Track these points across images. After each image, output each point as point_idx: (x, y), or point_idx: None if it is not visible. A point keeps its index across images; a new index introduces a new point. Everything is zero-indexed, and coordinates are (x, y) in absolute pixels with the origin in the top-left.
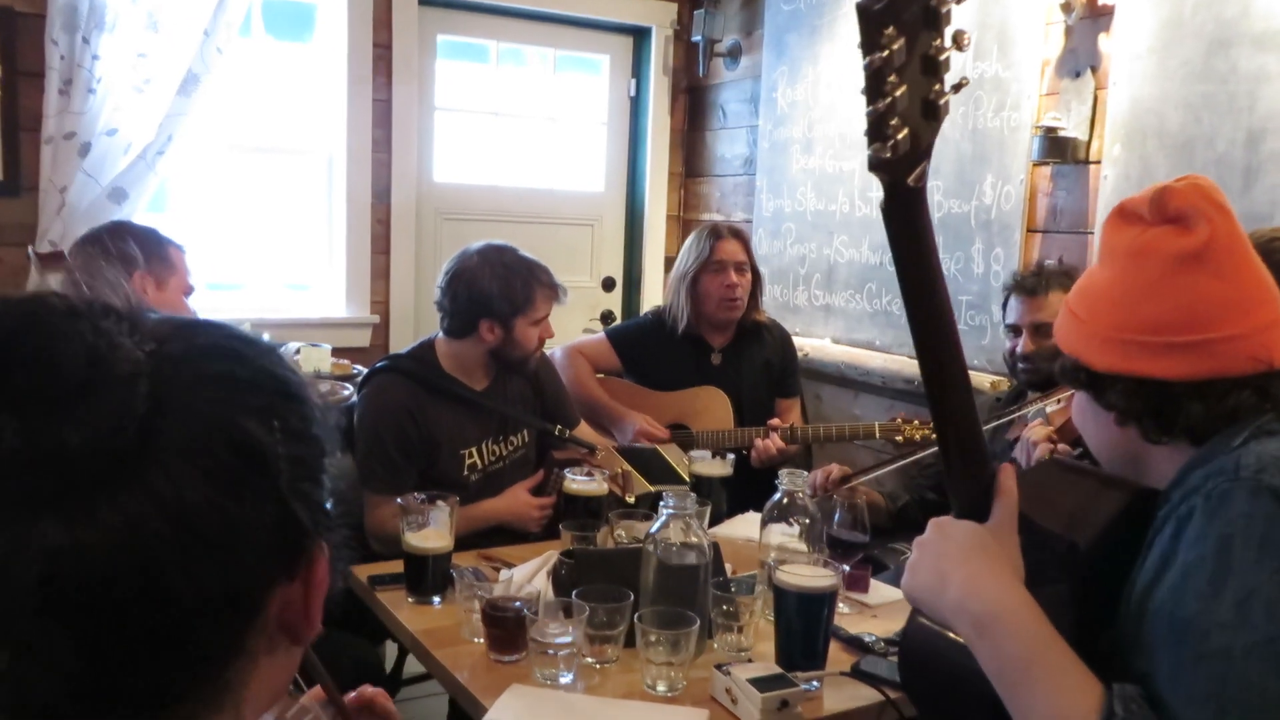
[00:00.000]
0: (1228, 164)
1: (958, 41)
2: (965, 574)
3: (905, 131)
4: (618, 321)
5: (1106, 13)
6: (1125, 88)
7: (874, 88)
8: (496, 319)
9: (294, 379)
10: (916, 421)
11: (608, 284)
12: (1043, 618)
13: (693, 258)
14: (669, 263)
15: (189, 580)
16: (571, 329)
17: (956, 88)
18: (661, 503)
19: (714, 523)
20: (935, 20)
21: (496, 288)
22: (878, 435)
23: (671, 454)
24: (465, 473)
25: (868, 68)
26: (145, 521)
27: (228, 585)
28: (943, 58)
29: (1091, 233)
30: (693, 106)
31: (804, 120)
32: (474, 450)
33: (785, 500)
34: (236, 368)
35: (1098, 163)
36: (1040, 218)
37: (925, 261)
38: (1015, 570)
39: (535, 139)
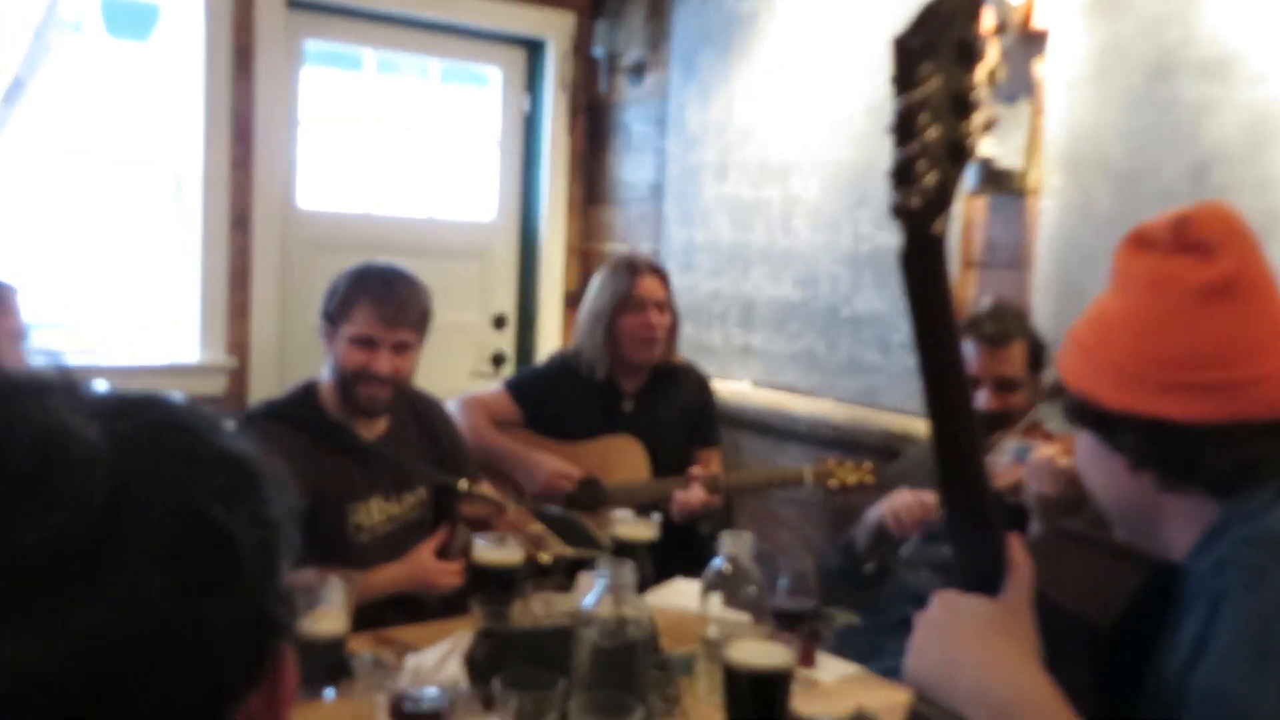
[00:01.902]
0: (1174, 196)
1: (991, 78)
2: (981, 657)
3: (933, 175)
4: (509, 362)
5: (1040, 37)
6: (1063, 115)
7: (905, 128)
8: (325, 324)
9: (250, 455)
10: (850, 464)
11: (499, 322)
12: (1066, 706)
13: (609, 294)
14: (568, 298)
15: (153, 692)
16: (458, 372)
17: (987, 126)
18: (597, 573)
19: (640, 590)
20: (970, 56)
21: (329, 289)
22: (809, 481)
23: (590, 519)
24: (351, 533)
25: (901, 107)
26: (108, 628)
27: (195, 695)
28: (974, 96)
29: (1031, 268)
30: (593, 126)
31: (717, 144)
32: (363, 507)
33: (729, 567)
34: (195, 445)
35: (1036, 193)
36: (977, 251)
37: (943, 314)
38: (1034, 653)
39: (417, 159)
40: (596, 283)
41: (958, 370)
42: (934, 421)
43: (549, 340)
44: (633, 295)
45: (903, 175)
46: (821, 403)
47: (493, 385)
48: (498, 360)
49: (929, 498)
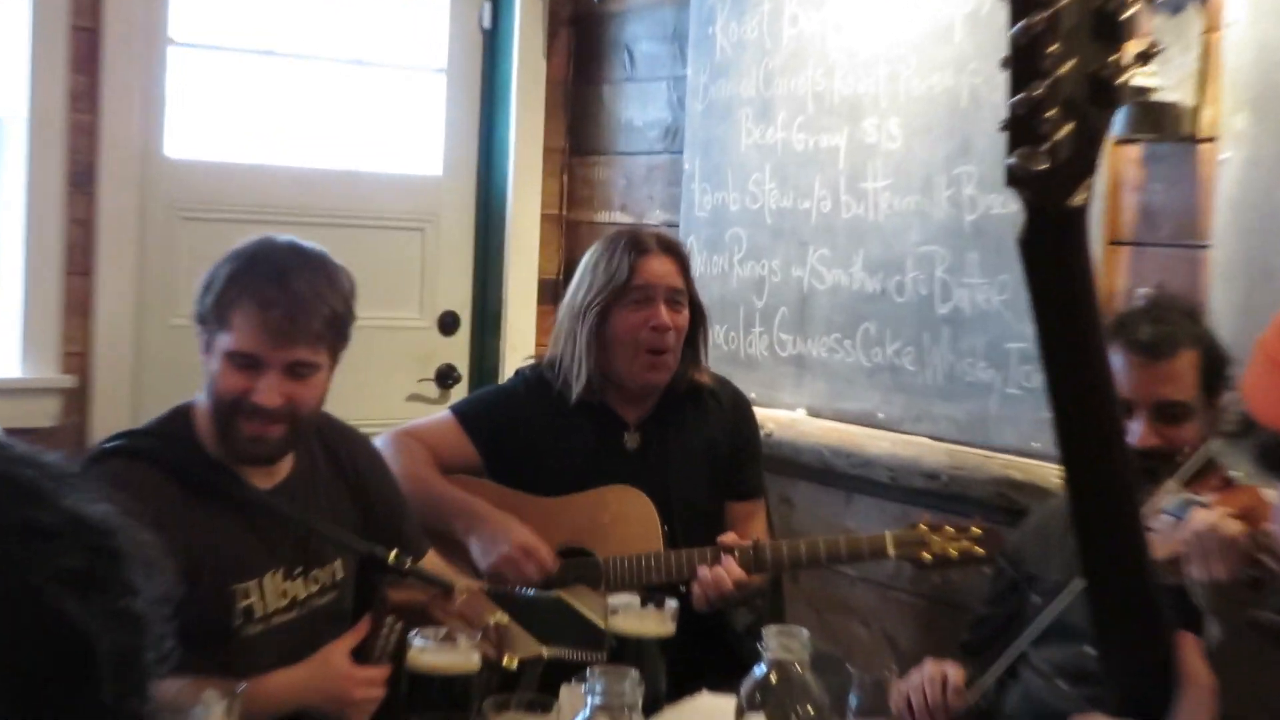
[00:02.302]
0: None
1: None
2: None
3: (1068, 128)
4: (462, 380)
5: None
6: (1249, 31)
7: (1026, 62)
8: (199, 328)
9: (110, 524)
10: (951, 529)
11: (447, 323)
12: None
13: (600, 283)
14: (545, 289)
15: None
16: (389, 394)
17: (1144, 57)
18: (585, 687)
19: (651, 710)
20: None
21: (204, 279)
22: (891, 553)
23: (581, 599)
24: (236, 622)
25: (1020, 36)
26: None
27: None
28: (1126, 15)
29: (1207, 246)
30: (581, 48)
31: (758, 71)
32: (255, 587)
33: (776, 677)
34: (39, 513)
35: (1212, 140)
36: (1127, 223)
37: (1082, 315)
38: None
39: (333, 94)
40: (585, 266)
41: (1104, 392)
42: (1070, 467)
43: (518, 348)
44: (635, 282)
45: (1024, 128)
46: (909, 440)
47: (438, 413)
48: (446, 377)
49: (954, 673)
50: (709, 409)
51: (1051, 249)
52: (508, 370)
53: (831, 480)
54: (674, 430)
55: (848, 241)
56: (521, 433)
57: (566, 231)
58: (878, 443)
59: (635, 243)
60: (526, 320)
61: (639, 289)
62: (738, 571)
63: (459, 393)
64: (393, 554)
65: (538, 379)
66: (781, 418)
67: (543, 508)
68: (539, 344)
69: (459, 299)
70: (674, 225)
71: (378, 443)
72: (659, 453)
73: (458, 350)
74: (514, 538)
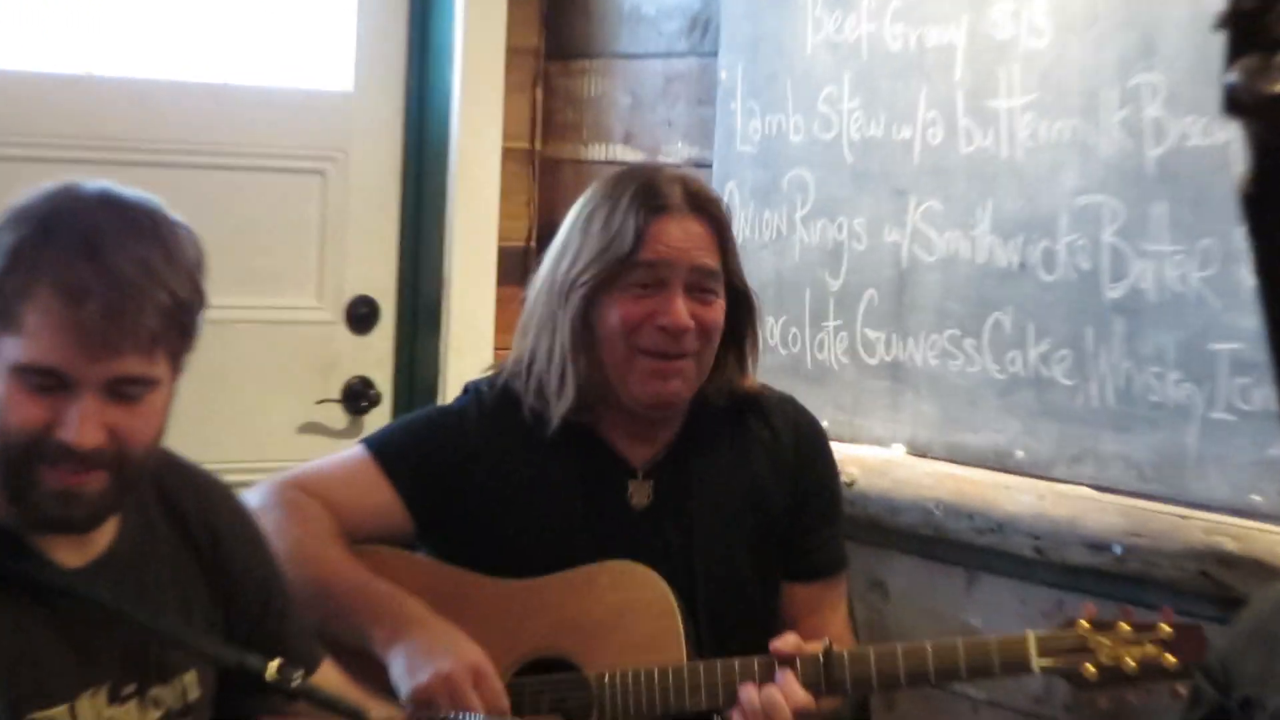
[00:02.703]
0: None
1: None
2: None
3: None
4: (382, 400)
5: None
6: None
7: None
8: None
9: None
10: (1128, 627)
11: (361, 315)
12: None
13: (591, 250)
14: (513, 263)
15: None
16: (268, 426)
17: None
18: None
19: None
20: None
21: None
22: (1036, 666)
23: None
24: None
25: None
26: None
27: None
28: None
29: None
30: None
31: None
32: (63, 715)
33: None
34: None
35: None
36: None
37: None
38: None
39: None
40: (571, 223)
41: None
42: None
43: (467, 353)
44: (641, 256)
45: (1251, 27)
46: (1063, 491)
47: (344, 452)
48: (358, 397)
49: None
50: (757, 440)
51: None
52: (453, 386)
53: (944, 553)
54: (703, 475)
55: (969, 190)
56: (474, 481)
57: (541, 175)
58: (1016, 495)
59: (647, 192)
60: (481, 310)
61: (646, 266)
62: (801, 695)
63: (378, 420)
64: (272, 666)
65: (499, 399)
66: (869, 458)
67: (504, 597)
68: (501, 347)
69: (378, 279)
70: (703, 165)
71: (249, 498)
72: (679, 511)
73: (376, 356)
74: (456, 652)
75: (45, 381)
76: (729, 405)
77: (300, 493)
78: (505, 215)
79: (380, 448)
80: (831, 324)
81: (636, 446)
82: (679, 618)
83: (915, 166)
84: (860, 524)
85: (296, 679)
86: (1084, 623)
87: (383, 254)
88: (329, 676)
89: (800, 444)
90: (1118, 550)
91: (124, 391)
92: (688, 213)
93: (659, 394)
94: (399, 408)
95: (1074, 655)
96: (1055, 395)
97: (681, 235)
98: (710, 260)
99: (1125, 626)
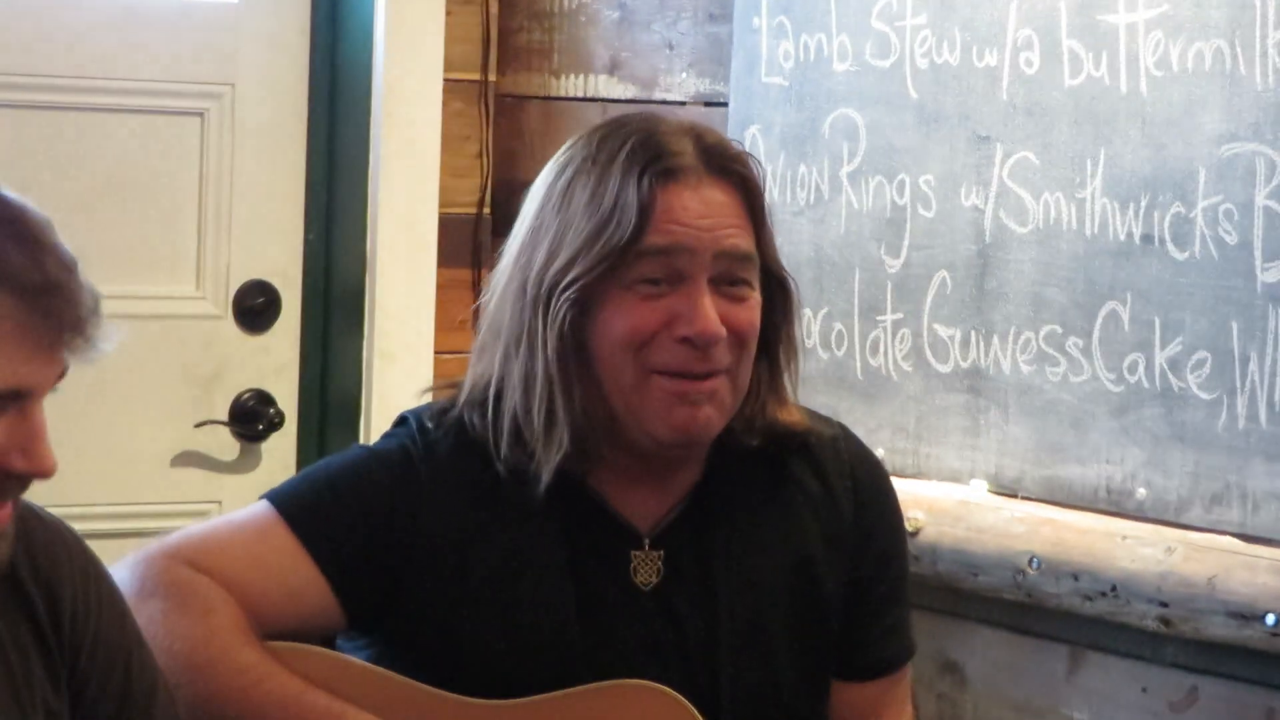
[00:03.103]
0: None
1: None
2: None
3: None
4: (288, 431)
5: None
6: None
7: None
8: None
9: None
10: None
11: (253, 307)
12: None
13: (583, 234)
14: (459, 237)
15: None
16: (131, 459)
17: None
18: None
19: None
20: None
21: None
22: None
23: None
24: None
25: None
26: None
27: None
28: None
29: None
30: None
31: None
32: None
33: None
34: None
35: None
36: None
37: None
38: None
39: None
40: (547, 191)
41: None
42: None
43: (400, 357)
44: (648, 241)
45: None
46: (1205, 543)
47: (244, 510)
48: (253, 418)
49: None
50: (805, 495)
51: None
52: (380, 403)
53: (1041, 625)
54: (730, 543)
55: (1076, 137)
56: (424, 556)
57: (497, 118)
58: (1136, 548)
59: (648, 150)
60: (416, 300)
61: (657, 254)
62: None
63: (280, 449)
64: None
65: (453, 442)
66: (940, 499)
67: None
68: (446, 350)
69: (276, 258)
70: (716, 104)
71: (121, 572)
72: (699, 591)
73: (276, 363)
74: None
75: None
76: (765, 434)
77: (187, 569)
78: (448, 172)
79: (293, 509)
80: (890, 318)
81: (640, 503)
82: None
83: (1003, 105)
84: (928, 587)
85: None
86: None
87: (283, 224)
88: None
89: (861, 502)
90: (1271, 621)
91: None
92: (706, 176)
93: (686, 427)
94: (308, 433)
95: None
96: (1190, 414)
97: (701, 208)
98: (742, 240)
99: None
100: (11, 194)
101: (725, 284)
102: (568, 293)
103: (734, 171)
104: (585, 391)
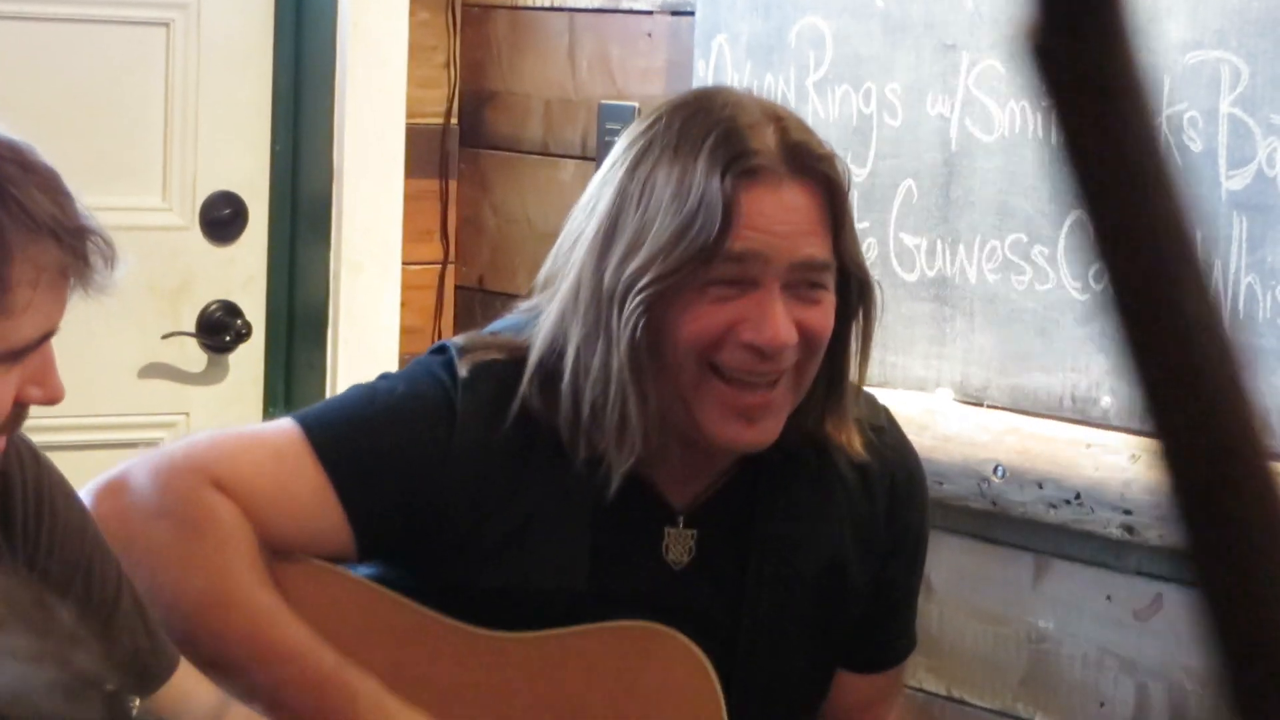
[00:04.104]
0: None
1: None
2: None
3: None
4: (256, 342)
5: None
6: None
7: None
8: None
9: None
10: None
11: (220, 218)
12: None
13: (661, 235)
14: (427, 143)
15: None
16: (99, 373)
17: None
18: None
19: None
20: None
21: None
22: None
23: None
24: None
25: None
26: None
27: None
28: None
29: None
30: None
31: None
32: None
33: None
34: None
35: None
36: None
37: (1128, 157)
38: None
39: None
40: (621, 184)
41: (1185, 306)
42: (1163, 464)
43: (367, 267)
44: (730, 244)
45: None
46: None
47: (272, 426)
48: (220, 329)
49: None
50: (848, 498)
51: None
52: (347, 313)
53: (1006, 533)
54: (766, 532)
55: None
56: (456, 510)
57: (464, 27)
58: (1101, 456)
59: (731, 144)
60: (384, 211)
61: (735, 260)
62: None
63: (248, 360)
64: (108, 690)
65: (494, 389)
66: (906, 407)
67: (489, 653)
68: (413, 261)
69: (243, 170)
70: (683, 13)
71: (131, 477)
72: (728, 575)
73: (244, 274)
74: None
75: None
76: (809, 437)
77: (208, 490)
78: (415, 82)
79: (326, 442)
80: (857, 227)
81: (679, 481)
82: (723, 712)
83: (969, 13)
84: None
85: (134, 706)
86: None
87: (249, 135)
88: (186, 689)
89: (897, 505)
90: None
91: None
92: (789, 177)
93: (737, 440)
94: (276, 344)
95: None
96: None
97: (781, 213)
98: (819, 249)
99: None
100: (19, 139)
101: (799, 289)
102: (645, 293)
103: (817, 172)
104: (659, 392)
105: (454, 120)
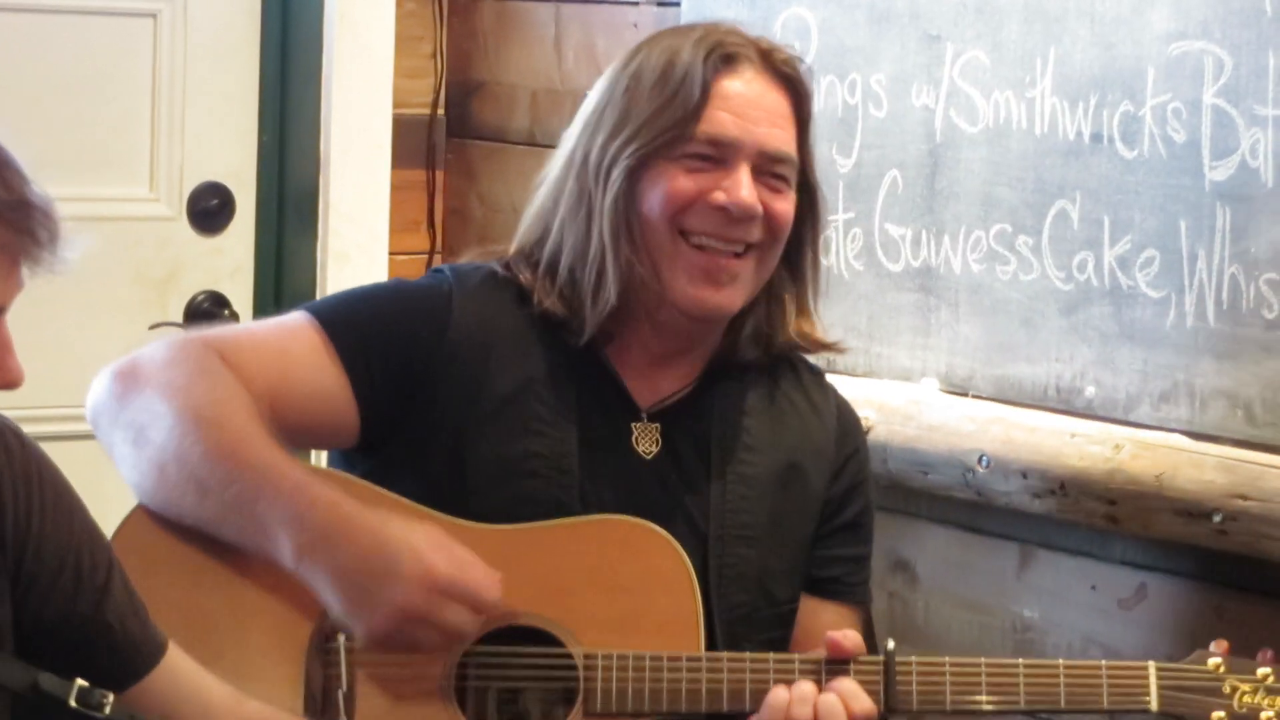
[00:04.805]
0: None
1: None
2: None
3: None
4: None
5: None
6: None
7: None
8: None
9: None
10: (1268, 670)
11: (207, 208)
12: None
13: (642, 112)
14: (415, 135)
15: None
16: (81, 361)
17: None
18: None
19: None
20: None
21: None
22: (1154, 705)
23: None
24: None
25: None
26: None
27: None
28: None
29: None
30: None
31: None
32: None
33: None
34: None
35: None
36: None
37: None
38: None
39: None
40: (609, 88)
41: None
42: None
43: (352, 257)
44: (702, 125)
45: None
46: (1149, 440)
47: (281, 317)
48: (207, 318)
49: None
50: (797, 410)
51: None
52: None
53: (990, 523)
54: (726, 432)
55: (1025, 35)
56: (448, 382)
57: (451, 18)
58: (1085, 446)
59: (717, 36)
60: (370, 201)
61: (710, 138)
62: (866, 702)
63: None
64: (73, 688)
65: (488, 285)
66: (891, 398)
67: (474, 543)
68: (400, 250)
69: (231, 160)
70: (670, 3)
71: (150, 348)
72: (694, 468)
73: (231, 264)
74: (406, 560)
75: None
76: (770, 345)
77: (217, 359)
78: (402, 72)
79: (330, 316)
80: (841, 218)
81: (647, 382)
82: (697, 598)
83: (953, 3)
84: (879, 485)
85: (107, 704)
86: (1217, 659)
87: (237, 126)
88: (176, 671)
89: (843, 430)
90: (1218, 519)
91: None
92: (764, 72)
93: (704, 303)
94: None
95: (1201, 698)
96: (1139, 312)
97: (754, 101)
98: (786, 144)
99: (1267, 671)
100: None
101: (767, 175)
102: (625, 161)
103: (790, 77)
104: (632, 255)
105: (440, 111)
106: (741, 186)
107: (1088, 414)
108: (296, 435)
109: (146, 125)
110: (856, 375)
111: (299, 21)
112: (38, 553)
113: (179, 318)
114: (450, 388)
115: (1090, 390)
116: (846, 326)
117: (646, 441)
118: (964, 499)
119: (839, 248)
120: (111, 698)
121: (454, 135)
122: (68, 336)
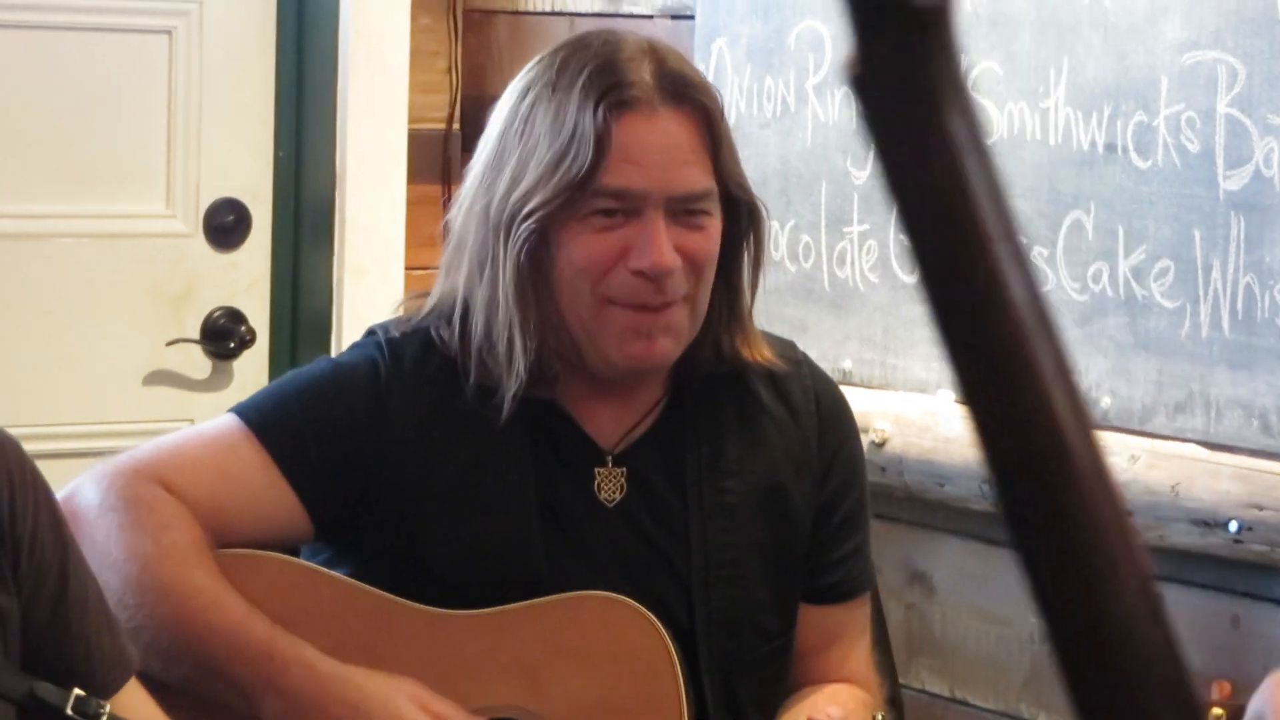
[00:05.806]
0: None
1: None
2: None
3: None
4: (260, 350)
5: None
6: None
7: None
8: None
9: None
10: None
11: (224, 224)
12: None
13: (540, 167)
14: (429, 152)
15: None
16: (97, 379)
17: None
18: None
19: None
20: None
21: None
22: None
23: None
24: None
25: None
26: None
27: None
28: None
29: None
30: None
31: None
32: None
33: None
34: None
35: None
36: None
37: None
38: None
39: None
40: (507, 119)
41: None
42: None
43: (370, 271)
44: (604, 179)
45: None
46: (1164, 450)
47: (208, 423)
48: (223, 336)
49: None
50: (773, 421)
51: (895, 78)
52: (351, 319)
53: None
54: (700, 464)
55: (1038, 46)
56: (391, 465)
57: (466, 33)
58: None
59: (606, 76)
60: (386, 216)
61: (613, 191)
62: None
63: (252, 366)
64: (70, 696)
65: (421, 352)
66: (906, 410)
67: (445, 633)
68: (416, 266)
69: (247, 176)
70: (683, 17)
71: (79, 492)
72: (669, 515)
73: (247, 280)
74: (396, 701)
75: None
76: (728, 360)
77: (151, 486)
78: (417, 88)
79: (261, 422)
80: (856, 230)
81: (605, 420)
82: (680, 679)
83: (966, 14)
84: (895, 498)
85: (104, 713)
86: (1218, 709)
87: (252, 142)
88: (138, 695)
89: (825, 428)
90: (1234, 529)
91: None
92: (663, 106)
93: (640, 358)
94: (280, 350)
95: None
96: (1153, 322)
97: (657, 142)
98: (698, 179)
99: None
100: None
101: (682, 214)
102: (526, 223)
103: (692, 100)
104: (543, 320)
105: (456, 125)
106: (656, 248)
107: (1103, 424)
108: (252, 544)
109: (162, 141)
110: (872, 387)
111: (314, 37)
112: (32, 552)
113: (195, 334)
114: (396, 481)
115: (1106, 401)
116: (862, 338)
117: (610, 488)
118: (980, 510)
119: (854, 260)
120: (108, 707)
121: (469, 150)
122: (85, 353)
